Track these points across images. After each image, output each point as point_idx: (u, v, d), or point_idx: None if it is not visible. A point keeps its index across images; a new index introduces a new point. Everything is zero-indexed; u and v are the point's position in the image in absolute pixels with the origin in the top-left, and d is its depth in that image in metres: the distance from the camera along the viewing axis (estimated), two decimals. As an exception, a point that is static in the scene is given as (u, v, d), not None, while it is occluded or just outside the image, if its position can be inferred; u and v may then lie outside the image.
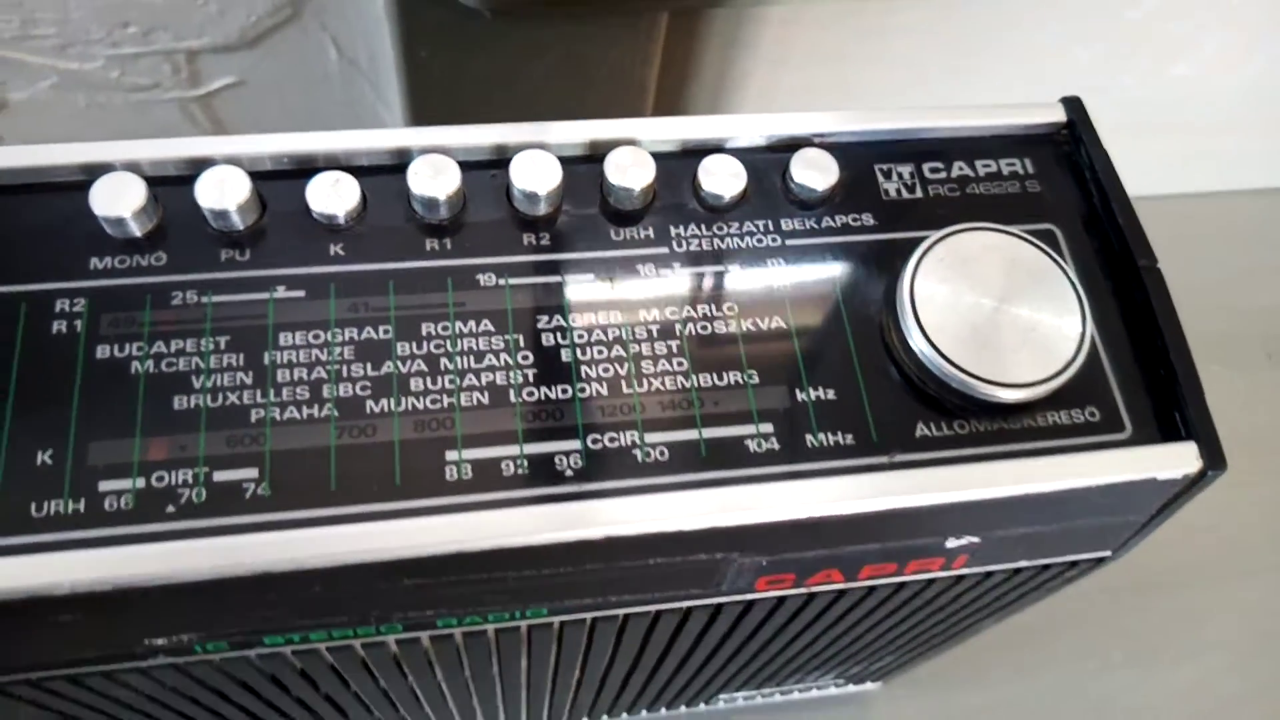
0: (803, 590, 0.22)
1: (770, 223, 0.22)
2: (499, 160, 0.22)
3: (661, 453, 0.20)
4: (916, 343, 0.20)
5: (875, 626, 0.28)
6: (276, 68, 0.42)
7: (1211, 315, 0.54)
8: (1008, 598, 0.26)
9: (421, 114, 0.39)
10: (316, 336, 0.20)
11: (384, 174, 0.21)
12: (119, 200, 0.20)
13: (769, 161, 0.23)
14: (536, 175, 0.21)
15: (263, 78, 0.42)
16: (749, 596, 0.22)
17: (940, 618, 0.27)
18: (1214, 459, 0.20)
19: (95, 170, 0.21)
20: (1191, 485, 0.21)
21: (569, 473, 0.19)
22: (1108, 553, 0.23)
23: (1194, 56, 0.44)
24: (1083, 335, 0.21)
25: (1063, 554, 0.23)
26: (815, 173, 0.22)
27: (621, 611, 0.22)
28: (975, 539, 0.21)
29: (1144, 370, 0.21)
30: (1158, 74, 0.44)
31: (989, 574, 0.23)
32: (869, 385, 0.21)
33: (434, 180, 0.21)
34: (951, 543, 0.21)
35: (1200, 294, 0.54)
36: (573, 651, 0.26)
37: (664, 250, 0.22)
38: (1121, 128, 0.50)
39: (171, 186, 0.21)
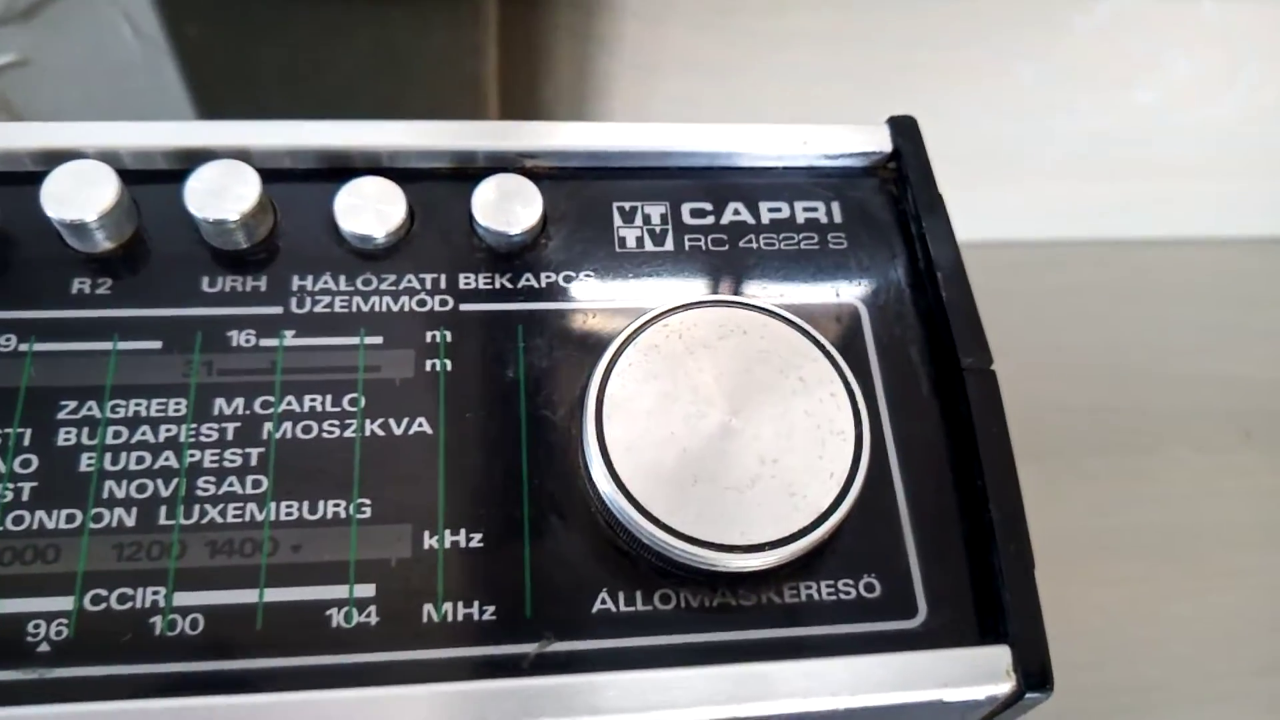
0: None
1: (440, 278, 0.16)
2: (41, 172, 0.15)
3: (194, 623, 0.13)
4: (598, 474, 0.14)
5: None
6: (66, 46, 0.36)
7: (1178, 386, 0.47)
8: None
9: (208, 106, 0.33)
10: None
11: (-122, 183, 0.15)
12: None
13: (451, 191, 0.16)
14: (82, 196, 0.15)
15: (51, 57, 0.36)
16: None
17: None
18: (1036, 675, 0.13)
19: None
20: (1005, 706, 0.14)
21: (43, 648, 0.13)
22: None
23: (1161, 81, 0.37)
24: (852, 473, 0.14)
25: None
26: (510, 209, 0.16)
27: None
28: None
29: (960, 527, 0.15)
30: (1119, 100, 0.37)
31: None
32: (536, 531, 0.14)
33: (-75, 196, 0.14)
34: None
35: (1165, 360, 0.47)
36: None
37: (276, 310, 0.15)
38: (1079, 161, 0.43)
39: None
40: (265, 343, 0.15)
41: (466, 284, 0.15)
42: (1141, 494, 0.42)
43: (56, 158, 0.15)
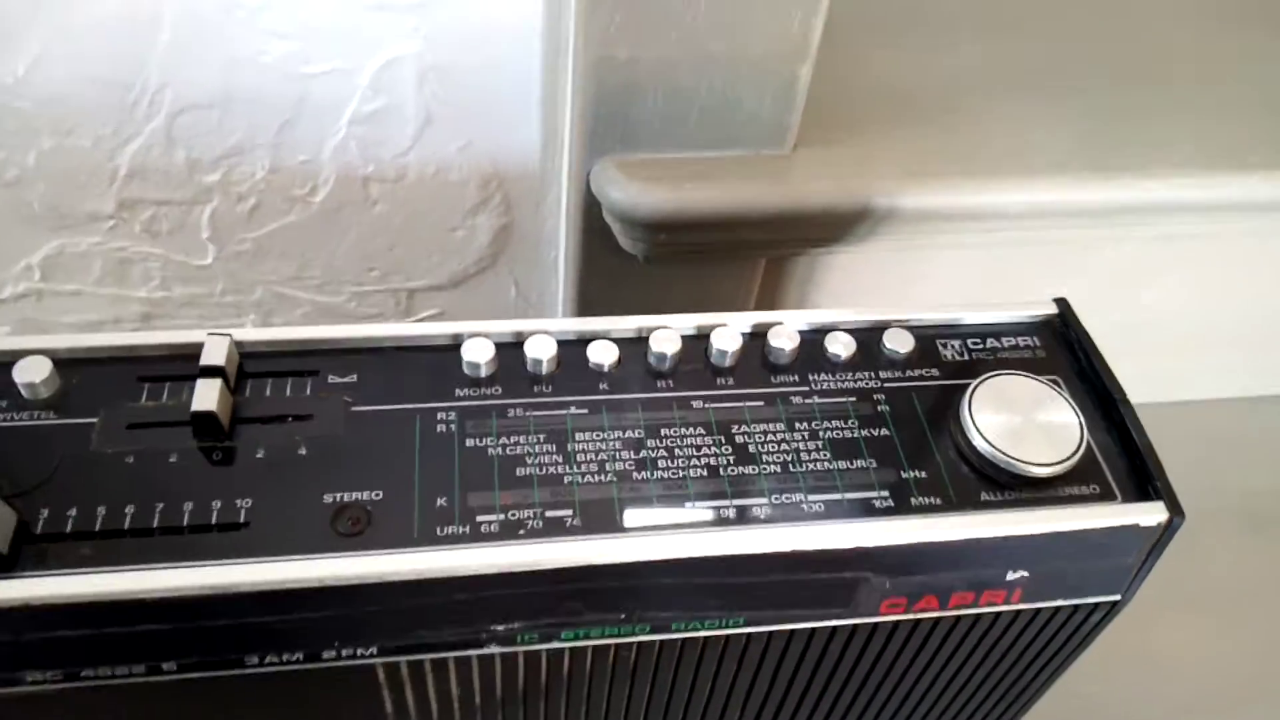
0: (910, 617, 0.33)
1: (872, 373, 0.35)
2: (703, 335, 0.34)
3: (819, 507, 0.31)
4: (977, 440, 0.32)
5: (959, 672, 0.37)
6: (469, 302, 0.56)
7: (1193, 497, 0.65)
8: (1051, 646, 0.35)
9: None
10: (597, 435, 0.32)
11: (631, 343, 0.34)
12: (477, 355, 0.33)
13: (870, 336, 0.36)
14: (726, 343, 0.34)
15: (456, 309, 0.57)
16: (872, 619, 0.32)
17: (1004, 666, 0.37)
18: (1176, 512, 0.31)
19: (459, 338, 0.34)
20: (1164, 532, 0.31)
21: (761, 516, 0.31)
22: (1118, 597, 0.34)
23: (1158, 286, 0.58)
24: (1082, 436, 0.32)
25: (1086, 595, 0.33)
26: (899, 344, 0.35)
27: (784, 627, 0.32)
28: (1025, 573, 0.32)
29: (1125, 461, 0.33)
30: (1131, 300, 0.59)
31: (1036, 611, 0.34)
32: (947, 469, 0.32)
33: (664, 345, 0.34)
34: (1010, 575, 0.32)
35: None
36: (750, 667, 0.35)
37: (806, 388, 0.34)
38: (1105, 344, 0.63)
39: (505, 347, 0.34)
40: (807, 400, 0.34)
41: (885, 375, 0.35)
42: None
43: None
